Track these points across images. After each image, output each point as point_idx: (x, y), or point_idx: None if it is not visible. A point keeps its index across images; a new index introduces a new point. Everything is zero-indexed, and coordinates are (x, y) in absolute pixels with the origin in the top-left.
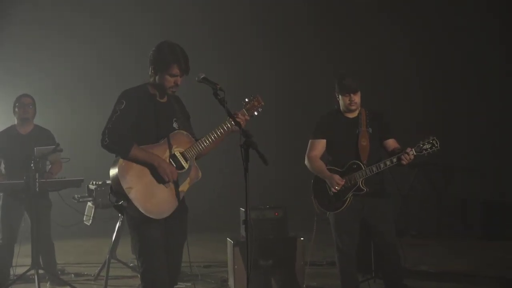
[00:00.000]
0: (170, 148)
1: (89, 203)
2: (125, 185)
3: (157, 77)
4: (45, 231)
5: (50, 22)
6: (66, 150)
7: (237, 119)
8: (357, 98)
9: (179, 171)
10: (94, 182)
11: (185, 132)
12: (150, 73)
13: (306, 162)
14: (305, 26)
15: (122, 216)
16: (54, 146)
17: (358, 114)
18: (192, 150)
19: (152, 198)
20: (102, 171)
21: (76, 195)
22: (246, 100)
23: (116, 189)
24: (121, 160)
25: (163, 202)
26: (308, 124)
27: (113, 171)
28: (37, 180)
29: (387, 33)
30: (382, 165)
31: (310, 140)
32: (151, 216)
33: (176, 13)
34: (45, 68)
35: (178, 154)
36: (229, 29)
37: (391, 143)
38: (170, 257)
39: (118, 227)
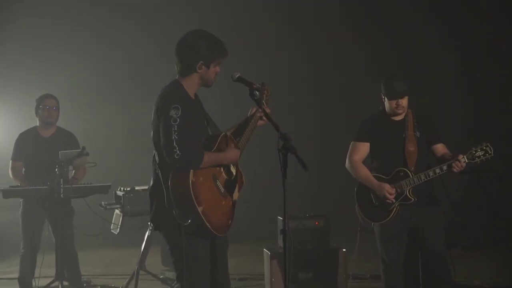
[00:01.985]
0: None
1: (117, 211)
2: (199, 204)
3: (201, 71)
4: (67, 240)
5: (75, 17)
6: (91, 154)
7: (259, 114)
8: (404, 102)
9: (229, 179)
10: (122, 188)
11: (229, 134)
12: (191, 68)
13: (347, 165)
14: (342, 21)
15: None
16: (79, 150)
17: (405, 116)
18: (241, 147)
19: (217, 213)
20: (130, 176)
21: (103, 202)
22: (259, 90)
23: (186, 207)
24: (191, 175)
25: (223, 216)
26: (350, 125)
27: (181, 188)
28: (61, 186)
29: (427, 32)
30: (431, 173)
31: (352, 142)
32: (216, 233)
33: (207, 12)
34: (67, 65)
35: None
36: (260, 28)
37: (440, 148)
38: (220, 271)
39: (148, 236)
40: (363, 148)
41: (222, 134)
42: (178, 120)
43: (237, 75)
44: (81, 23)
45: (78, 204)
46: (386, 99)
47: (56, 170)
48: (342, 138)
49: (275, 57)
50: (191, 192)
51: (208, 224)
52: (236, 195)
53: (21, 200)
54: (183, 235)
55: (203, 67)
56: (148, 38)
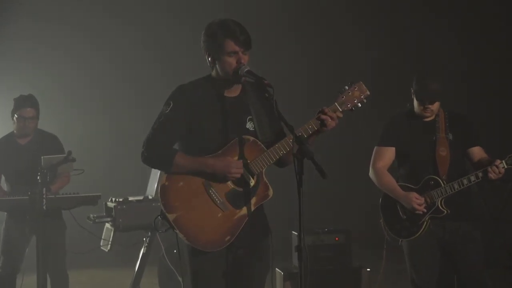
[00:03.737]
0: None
1: (108, 225)
2: (169, 211)
3: (217, 66)
4: (58, 260)
5: (53, 15)
6: (78, 160)
7: (323, 117)
8: (435, 107)
9: (240, 189)
10: (113, 199)
11: (251, 138)
12: (209, 64)
13: (370, 174)
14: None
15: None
16: (65, 155)
17: (436, 116)
18: (260, 162)
19: (202, 226)
20: (123, 185)
21: (91, 215)
22: (346, 88)
23: (162, 212)
24: (164, 178)
25: (215, 229)
26: (375, 129)
27: (157, 192)
28: (44, 196)
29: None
30: (465, 181)
31: (375, 147)
32: (198, 248)
33: (196, 12)
34: (49, 63)
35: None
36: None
37: (477, 152)
38: None
39: (143, 254)
40: (388, 154)
41: (238, 138)
42: (163, 117)
43: (246, 69)
44: (68, 23)
45: (64, 216)
46: (414, 97)
47: (38, 178)
48: (366, 142)
49: (292, 58)
50: (159, 196)
51: (183, 236)
52: (250, 208)
53: (6, 213)
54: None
55: (216, 60)
56: (136, 36)
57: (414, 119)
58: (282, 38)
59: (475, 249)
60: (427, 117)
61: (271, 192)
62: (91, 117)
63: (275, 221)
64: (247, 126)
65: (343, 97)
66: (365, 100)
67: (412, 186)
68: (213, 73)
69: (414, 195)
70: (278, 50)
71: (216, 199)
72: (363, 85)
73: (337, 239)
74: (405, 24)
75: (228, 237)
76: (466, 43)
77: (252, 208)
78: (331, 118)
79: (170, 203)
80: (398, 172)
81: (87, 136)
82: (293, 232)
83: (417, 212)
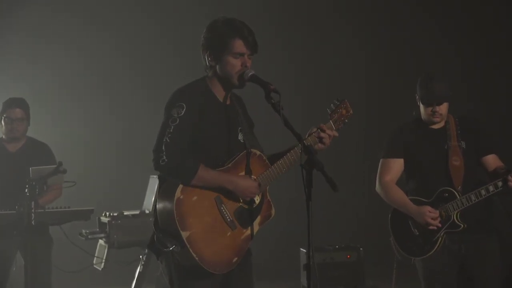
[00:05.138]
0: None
1: (101, 241)
2: (183, 228)
3: (217, 67)
4: (43, 279)
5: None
6: (70, 171)
7: (323, 135)
8: (443, 109)
9: (246, 206)
10: (107, 214)
11: (258, 152)
12: (206, 64)
13: (377, 189)
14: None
15: (143, 259)
16: (55, 166)
17: (445, 123)
18: (266, 179)
19: (213, 245)
20: (117, 199)
21: (84, 231)
22: (337, 103)
23: (169, 230)
24: (179, 190)
25: (224, 250)
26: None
27: (166, 205)
28: (33, 211)
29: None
30: (483, 192)
31: (381, 160)
32: (208, 269)
33: (182, 12)
34: (40, 63)
35: None
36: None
37: (492, 160)
38: None
39: (139, 272)
40: (396, 166)
41: (246, 151)
42: (178, 120)
43: (250, 73)
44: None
45: (54, 232)
46: (420, 103)
47: (26, 190)
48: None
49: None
50: (174, 211)
51: (195, 256)
52: (255, 228)
53: None
54: (175, 269)
55: (217, 59)
56: (143, 33)
57: (422, 127)
58: (270, 42)
59: (494, 266)
60: (436, 122)
61: (273, 211)
62: (83, 125)
63: (281, 237)
64: (239, 137)
65: (334, 115)
66: (347, 120)
67: (424, 200)
68: (210, 74)
69: (427, 209)
70: (266, 53)
71: (227, 217)
72: (348, 104)
73: (348, 256)
74: (403, 25)
75: (236, 258)
76: (466, 44)
77: (256, 229)
78: (329, 136)
79: (185, 219)
80: (407, 185)
81: (79, 145)
82: (301, 249)
83: (431, 227)
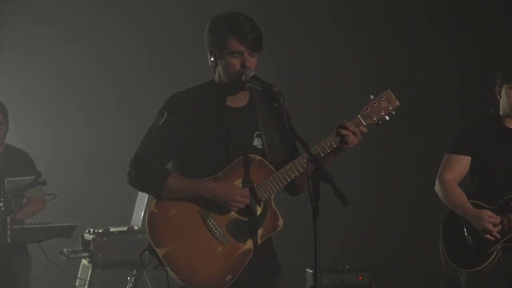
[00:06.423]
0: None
1: (85, 261)
2: (158, 245)
3: (219, 67)
4: None
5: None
6: (50, 183)
7: (343, 132)
8: None
9: (244, 219)
10: (91, 230)
11: (258, 157)
12: (211, 65)
13: (436, 187)
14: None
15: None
16: (33, 177)
17: None
18: (268, 186)
19: (197, 262)
20: (103, 214)
21: (65, 249)
22: (371, 97)
23: (149, 245)
24: (153, 204)
25: (214, 267)
26: (409, 144)
27: (144, 221)
28: (8, 227)
29: None
30: None
31: (446, 155)
32: None
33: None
34: (18, 67)
35: None
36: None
37: None
38: None
39: None
40: (461, 164)
41: (242, 157)
42: (154, 130)
43: (251, 74)
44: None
45: (32, 251)
46: (504, 91)
47: (1, 204)
48: (392, 165)
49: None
50: (146, 227)
51: (175, 275)
52: (256, 241)
53: None
54: None
55: (217, 60)
56: (130, 34)
57: (498, 126)
58: (289, 38)
59: None
60: None
61: (281, 222)
62: (65, 132)
63: (285, 256)
64: (254, 143)
65: (367, 109)
66: (393, 112)
67: (487, 206)
68: (216, 77)
69: (487, 213)
70: (285, 52)
71: (215, 231)
72: (392, 94)
73: (360, 278)
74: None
75: (230, 276)
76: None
77: (259, 242)
78: (353, 133)
79: (160, 235)
80: (470, 187)
81: (60, 154)
82: (307, 270)
83: (488, 237)
